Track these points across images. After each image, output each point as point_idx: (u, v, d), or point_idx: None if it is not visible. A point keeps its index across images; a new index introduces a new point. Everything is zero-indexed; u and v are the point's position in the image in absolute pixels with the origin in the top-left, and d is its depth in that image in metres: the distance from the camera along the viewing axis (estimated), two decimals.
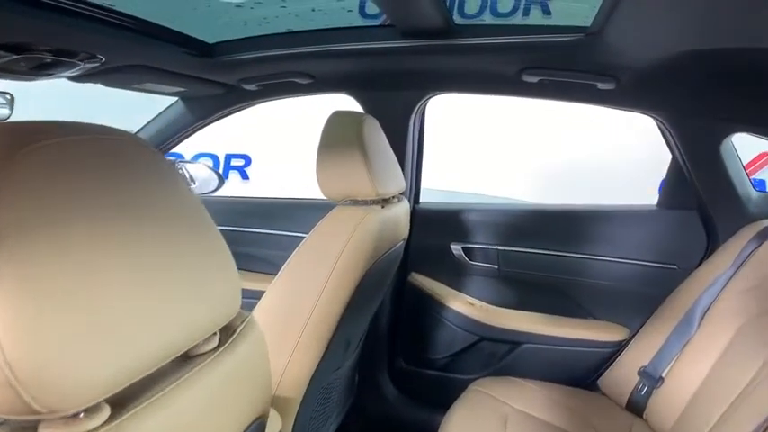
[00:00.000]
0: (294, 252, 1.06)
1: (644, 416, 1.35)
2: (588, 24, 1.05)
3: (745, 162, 1.47)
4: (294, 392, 0.99)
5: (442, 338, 1.69)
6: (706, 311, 1.31)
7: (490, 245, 1.63)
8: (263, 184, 3.69)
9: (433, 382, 1.71)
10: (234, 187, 3.63)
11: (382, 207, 1.18)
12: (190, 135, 1.79)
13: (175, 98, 1.73)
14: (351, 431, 1.57)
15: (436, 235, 1.68)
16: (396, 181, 1.25)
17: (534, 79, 1.29)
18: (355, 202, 1.15)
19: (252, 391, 0.62)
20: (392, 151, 1.27)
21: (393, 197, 1.28)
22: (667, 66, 1.10)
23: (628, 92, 1.30)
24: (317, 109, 1.38)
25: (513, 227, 1.63)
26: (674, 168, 1.51)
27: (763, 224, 1.32)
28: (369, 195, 1.12)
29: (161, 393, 0.44)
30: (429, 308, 1.68)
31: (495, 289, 1.66)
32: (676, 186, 1.51)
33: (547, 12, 1.16)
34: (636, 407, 1.38)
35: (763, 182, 2.93)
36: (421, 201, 1.72)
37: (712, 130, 1.37)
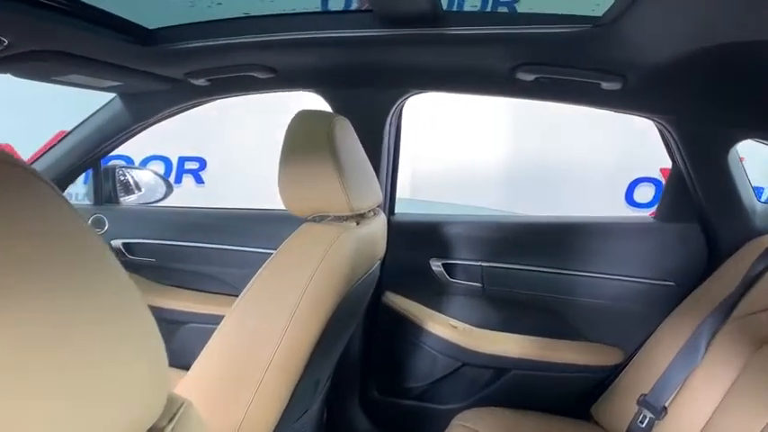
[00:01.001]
0: (254, 277, 0.88)
1: None
2: (599, 14, 0.90)
3: None
4: None
5: (420, 365, 1.53)
6: (713, 336, 1.20)
7: (474, 261, 1.48)
8: (219, 189, 3.46)
9: (411, 414, 1.55)
10: (187, 193, 3.40)
11: (357, 224, 1.01)
12: (130, 137, 1.55)
13: (113, 94, 1.50)
14: None
15: (414, 250, 1.51)
16: (372, 193, 1.07)
17: (530, 77, 1.13)
18: (325, 218, 0.98)
19: None
20: (367, 159, 1.10)
21: (369, 211, 1.11)
22: (682, 64, 0.97)
23: (634, 93, 1.17)
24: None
25: (498, 241, 1.48)
26: (675, 177, 1.39)
27: None
28: (342, 210, 0.94)
29: None
30: (405, 331, 1.52)
31: (480, 309, 1.51)
32: (676, 197, 1.40)
33: None
34: None
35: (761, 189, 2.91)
36: (396, 211, 1.55)
37: (721, 137, 1.26)
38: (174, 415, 0.40)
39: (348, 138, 0.99)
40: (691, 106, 1.25)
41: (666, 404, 1.22)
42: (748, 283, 1.20)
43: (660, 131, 1.35)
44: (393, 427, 1.55)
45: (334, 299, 0.89)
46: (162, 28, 1.17)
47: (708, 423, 1.12)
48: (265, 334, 0.85)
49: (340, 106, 1.35)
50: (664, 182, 2.88)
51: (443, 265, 1.50)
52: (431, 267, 1.50)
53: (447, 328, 1.49)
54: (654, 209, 2.98)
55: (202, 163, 3.57)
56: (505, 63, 1.12)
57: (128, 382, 0.33)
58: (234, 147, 3.37)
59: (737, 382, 1.10)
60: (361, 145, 1.07)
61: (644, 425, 1.25)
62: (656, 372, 1.26)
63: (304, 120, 0.96)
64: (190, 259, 1.59)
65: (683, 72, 1.04)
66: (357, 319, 1.24)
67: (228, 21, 1.15)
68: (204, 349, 0.87)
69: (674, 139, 1.30)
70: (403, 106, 1.42)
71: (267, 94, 1.46)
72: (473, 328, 1.50)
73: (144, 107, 1.50)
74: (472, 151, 3.19)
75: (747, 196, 1.33)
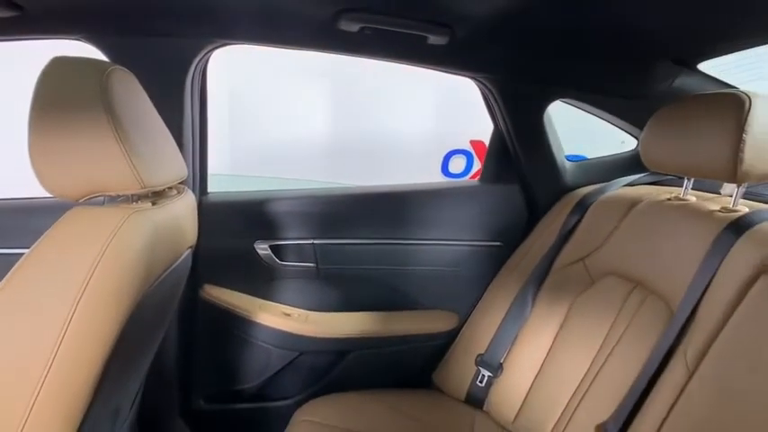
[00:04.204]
0: (4, 281, 0.62)
1: (485, 407, 1.26)
2: None
3: None
4: None
5: (251, 363, 1.37)
6: (538, 290, 1.25)
7: (305, 239, 1.35)
8: None
9: (246, 418, 1.39)
10: None
11: (153, 204, 0.78)
12: None
13: None
14: None
15: (234, 233, 1.32)
16: (172, 165, 0.85)
17: (354, 27, 1.00)
18: (110, 200, 0.74)
19: None
20: (163, 123, 0.87)
21: (170, 189, 0.88)
22: (502, 19, 0.95)
23: (459, 50, 1.13)
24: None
25: (329, 215, 1.37)
26: (497, 139, 1.43)
27: (580, 194, 1.32)
28: (129, 187, 0.70)
29: None
30: (232, 327, 1.34)
31: (315, 292, 1.39)
32: (498, 159, 1.44)
33: None
34: (475, 399, 1.28)
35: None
36: (210, 191, 1.32)
37: (537, 96, 1.31)
38: None
39: (132, 94, 0.75)
40: (513, 64, 1.26)
41: (502, 361, 1.26)
42: (564, 237, 1.27)
43: (482, 92, 1.36)
44: None
45: (127, 301, 0.67)
46: None
47: (540, 372, 1.17)
48: (28, 356, 0.61)
49: (122, 60, 1.06)
50: (474, 153, 3.10)
51: (270, 247, 1.34)
52: (256, 251, 1.33)
53: (279, 317, 1.35)
54: (467, 178, 3.19)
55: None
56: (326, 8, 0.98)
57: None
58: None
59: (562, 329, 1.17)
60: (153, 107, 0.84)
61: (483, 384, 1.27)
62: (491, 331, 1.29)
63: (63, 69, 0.68)
64: None
65: (506, 28, 1.02)
66: (167, 321, 1.00)
67: None
68: None
69: (495, 98, 1.31)
70: (207, 61, 1.18)
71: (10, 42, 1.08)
72: (309, 312, 1.38)
73: None
74: (295, 123, 3.06)
75: (559, 155, 1.42)
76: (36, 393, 0.61)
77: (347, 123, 3.16)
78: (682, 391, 0.83)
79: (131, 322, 0.69)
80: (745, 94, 0.90)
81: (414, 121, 3.21)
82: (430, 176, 3.24)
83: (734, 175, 0.90)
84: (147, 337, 0.88)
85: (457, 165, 3.39)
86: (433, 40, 1.04)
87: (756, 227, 0.89)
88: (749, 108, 0.88)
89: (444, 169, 3.40)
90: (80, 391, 0.64)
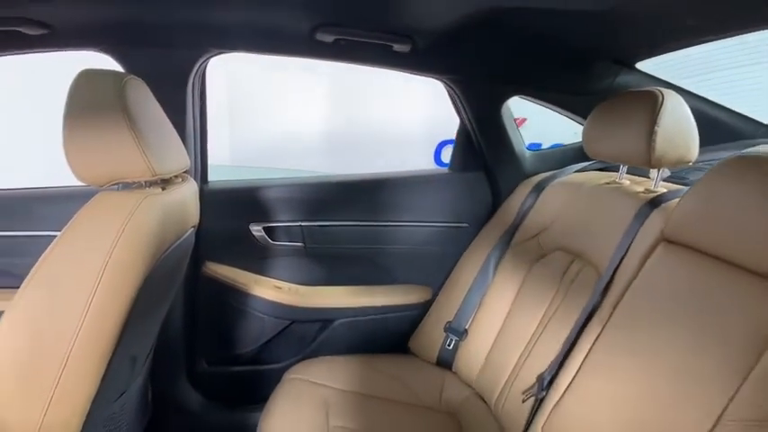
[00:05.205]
0: (43, 255, 0.78)
1: (453, 369, 1.43)
2: None
3: None
4: None
5: (248, 330, 1.54)
6: (498, 263, 1.42)
7: (293, 222, 1.52)
8: None
9: (243, 379, 1.55)
10: None
11: (162, 189, 0.96)
12: None
13: None
14: None
15: (232, 217, 1.49)
16: (177, 156, 1.02)
17: (329, 38, 1.18)
18: (126, 186, 0.91)
19: None
20: (169, 122, 1.04)
21: (176, 177, 1.05)
22: (462, 28, 1.11)
23: (422, 55, 1.29)
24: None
25: (315, 201, 1.54)
26: (463, 132, 1.59)
27: (536, 179, 1.48)
28: (143, 175, 0.88)
29: None
30: (230, 299, 1.51)
31: (303, 268, 1.56)
32: (464, 150, 1.60)
33: None
34: (445, 362, 1.45)
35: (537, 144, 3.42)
36: (210, 179, 1.50)
37: (495, 94, 1.47)
38: None
39: (144, 99, 0.92)
40: (470, 67, 1.42)
41: (467, 326, 1.42)
42: (521, 217, 1.44)
43: (448, 91, 1.52)
44: (227, 396, 1.54)
45: (143, 267, 0.84)
46: None
47: (498, 335, 1.33)
48: (65, 314, 0.77)
49: (134, 68, 1.24)
50: None
51: (264, 228, 1.50)
52: (251, 232, 1.50)
53: (272, 290, 1.51)
54: None
55: None
56: (305, 24, 1.15)
57: None
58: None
59: (517, 298, 1.32)
60: (160, 108, 1.01)
61: (450, 347, 1.44)
62: (457, 301, 1.46)
63: (89, 79, 0.86)
64: None
65: (463, 35, 1.18)
66: (173, 290, 1.18)
67: None
68: None
69: (458, 96, 1.48)
70: (205, 68, 1.36)
71: (43, 54, 1.26)
72: (298, 286, 1.55)
73: None
74: (293, 119, 3.20)
75: (518, 145, 1.58)
76: (74, 338, 0.77)
77: (340, 115, 3.27)
78: (596, 341, 1.00)
79: (146, 284, 0.86)
80: (660, 92, 1.06)
81: (406, 112, 3.32)
82: (423, 166, 3.37)
83: (649, 161, 1.06)
84: (156, 300, 1.05)
85: (449, 154, 3.54)
86: (398, 48, 1.21)
87: (666, 204, 1.04)
88: (661, 104, 1.04)
89: (437, 158, 3.54)
90: (107, 336, 0.81)
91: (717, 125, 1.42)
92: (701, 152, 1.11)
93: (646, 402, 0.83)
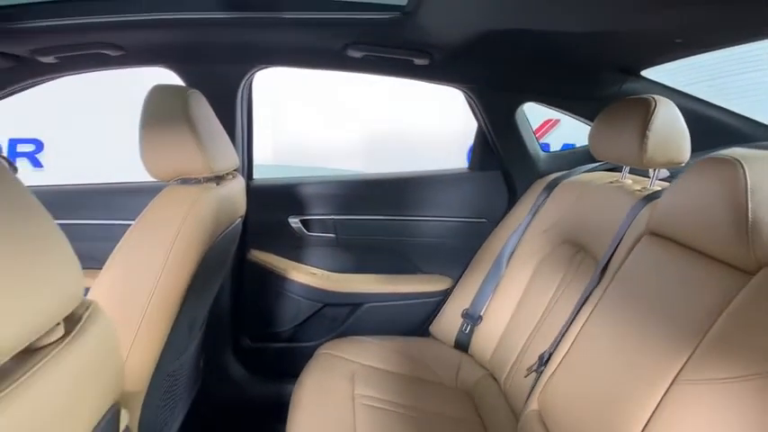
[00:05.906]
0: (123, 238, 0.97)
1: (469, 351, 1.56)
2: (404, 3, 1.13)
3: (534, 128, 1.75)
4: (138, 384, 0.93)
5: (286, 311, 1.71)
6: (511, 255, 1.55)
7: (327, 215, 1.69)
8: (63, 173, 3.22)
9: (280, 355, 1.73)
10: (24, 178, 3.10)
11: (217, 184, 1.14)
12: None
13: None
14: (199, 418, 1.52)
15: (273, 210, 1.68)
16: (229, 157, 1.21)
17: (358, 54, 1.35)
18: (187, 181, 1.09)
19: (104, 379, 0.58)
20: (222, 127, 1.23)
21: (227, 174, 1.24)
22: (474, 44, 1.25)
23: (440, 67, 1.44)
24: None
25: (346, 196, 1.71)
26: (480, 135, 1.73)
27: (549, 178, 1.60)
28: (202, 172, 1.07)
29: (4, 393, 0.40)
30: (271, 282, 1.69)
31: (335, 257, 1.73)
32: (482, 151, 1.74)
33: None
34: (461, 345, 1.58)
35: (547, 145, 3.51)
36: (254, 177, 1.70)
37: (509, 100, 1.61)
38: (89, 307, 0.55)
39: (202, 108, 1.11)
40: (486, 77, 1.56)
41: (482, 313, 1.55)
42: (534, 213, 1.56)
43: (465, 98, 1.66)
44: (265, 369, 1.73)
45: (200, 251, 1.02)
46: (5, 6, 1.16)
47: (510, 319, 1.46)
48: (141, 282, 0.95)
49: (192, 80, 1.45)
50: None
51: (301, 221, 1.69)
52: (289, 224, 1.68)
53: (308, 276, 1.69)
54: None
55: (39, 145, 3.30)
56: (337, 42, 1.33)
57: (54, 274, 0.47)
58: (75, 127, 3.16)
59: (527, 286, 1.45)
60: (215, 115, 1.20)
61: (467, 331, 1.57)
62: (474, 290, 1.59)
63: (160, 93, 1.06)
64: None
65: (478, 50, 1.32)
66: (224, 270, 1.37)
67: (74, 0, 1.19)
68: None
69: (475, 103, 1.62)
70: (252, 80, 1.56)
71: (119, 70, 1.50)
72: (330, 273, 1.72)
73: None
74: (335, 125, 3.38)
75: (533, 146, 1.70)
76: (144, 309, 0.94)
77: (383, 124, 3.42)
78: (587, 321, 1.11)
79: (203, 261, 1.04)
80: (653, 99, 1.17)
81: (439, 115, 3.43)
82: (456, 166, 3.48)
83: (641, 161, 1.17)
84: (210, 277, 1.24)
85: None
86: (418, 62, 1.37)
87: (656, 200, 1.15)
88: (654, 110, 1.15)
89: (469, 159, 3.64)
90: (171, 307, 0.98)
91: (720, 127, 1.50)
92: (701, 154, 1.20)
93: (620, 372, 0.95)
